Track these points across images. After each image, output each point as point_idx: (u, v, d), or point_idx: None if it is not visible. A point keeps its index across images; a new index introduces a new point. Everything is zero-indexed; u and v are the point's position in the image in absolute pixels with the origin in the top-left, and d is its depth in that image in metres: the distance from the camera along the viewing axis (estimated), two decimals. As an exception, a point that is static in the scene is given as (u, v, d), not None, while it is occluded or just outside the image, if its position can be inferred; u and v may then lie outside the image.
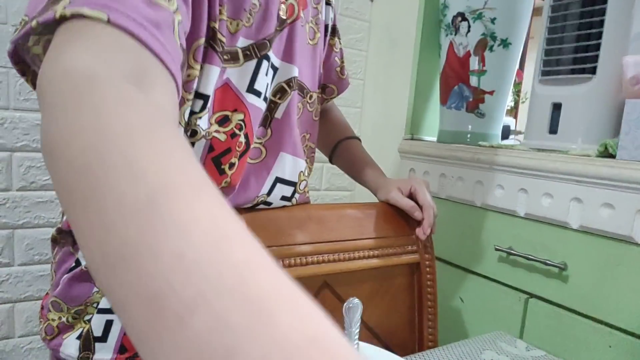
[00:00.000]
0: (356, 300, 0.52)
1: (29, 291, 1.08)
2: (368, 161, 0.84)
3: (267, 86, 0.60)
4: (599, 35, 0.83)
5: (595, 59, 0.84)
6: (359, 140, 0.88)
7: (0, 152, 1.01)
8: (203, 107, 0.52)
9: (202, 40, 0.49)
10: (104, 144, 0.21)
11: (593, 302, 0.79)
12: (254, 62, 0.57)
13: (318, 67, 0.72)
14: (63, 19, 0.29)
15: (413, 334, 0.76)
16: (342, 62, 0.81)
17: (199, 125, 0.52)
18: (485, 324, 0.97)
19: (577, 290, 0.81)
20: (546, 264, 0.84)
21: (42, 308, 0.59)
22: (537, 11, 1.21)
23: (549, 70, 0.92)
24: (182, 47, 0.36)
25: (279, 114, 0.64)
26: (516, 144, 1.13)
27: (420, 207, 0.74)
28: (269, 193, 0.65)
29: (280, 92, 0.63)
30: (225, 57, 0.53)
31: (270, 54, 0.59)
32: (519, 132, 1.58)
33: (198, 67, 0.49)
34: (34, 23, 0.30)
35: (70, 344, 0.54)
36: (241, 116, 0.57)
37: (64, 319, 0.55)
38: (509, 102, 1.42)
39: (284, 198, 0.67)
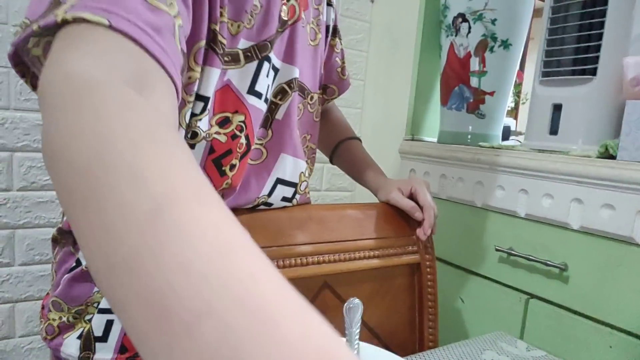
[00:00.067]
0: (357, 301, 0.52)
1: (29, 291, 1.08)
2: (368, 162, 0.84)
3: (267, 87, 0.60)
4: (600, 37, 0.83)
5: (595, 60, 0.84)
6: (360, 140, 0.88)
7: (0, 152, 1.01)
8: (203, 109, 0.52)
9: (203, 43, 0.49)
10: (105, 147, 0.21)
11: (594, 303, 0.79)
12: (255, 63, 0.57)
13: (319, 68, 0.72)
14: (64, 23, 0.29)
15: (413, 334, 0.76)
16: (343, 62, 0.82)
17: (199, 126, 0.53)
18: (485, 325, 0.97)
19: (578, 290, 0.81)
20: (547, 265, 0.84)
21: (42, 308, 0.59)
22: (537, 12, 1.21)
23: (550, 71, 0.92)
24: (182, 51, 0.36)
25: (279, 115, 0.64)
26: (517, 144, 1.13)
27: (421, 207, 0.74)
28: (270, 194, 0.65)
29: (281, 93, 0.63)
30: (226, 58, 0.53)
31: (271, 55, 0.59)
32: (520, 133, 1.58)
33: (199, 69, 0.49)
34: (35, 27, 0.30)
35: (71, 344, 0.54)
36: (242, 118, 0.57)
37: (64, 319, 0.55)
38: (510, 103, 1.42)
39: (284, 199, 0.67)
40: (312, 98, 0.70)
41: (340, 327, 0.52)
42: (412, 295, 0.76)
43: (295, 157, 0.67)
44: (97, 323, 0.54)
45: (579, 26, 0.87)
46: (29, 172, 1.04)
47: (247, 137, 0.58)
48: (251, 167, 0.62)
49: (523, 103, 2.00)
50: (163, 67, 0.31)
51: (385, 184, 0.79)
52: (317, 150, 0.79)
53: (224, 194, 0.59)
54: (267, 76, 0.59)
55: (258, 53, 0.57)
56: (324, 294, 0.68)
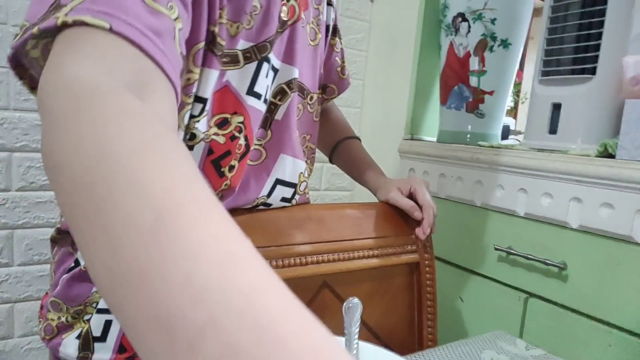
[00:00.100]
0: (356, 300, 0.52)
1: (28, 291, 1.08)
2: (368, 161, 0.84)
3: (267, 88, 0.60)
4: (599, 36, 0.83)
5: (595, 59, 0.84)
6: (359, 140, 0.88)
7: None
8: (202, 111, 0.52)
9: (202, 44, 0.48)
10: (107, 161, 0.21)
11: (593, 302, 0.79)
12: (254, 64, 0.57)
13: (319, 68, 0.71)
14: (64, 26, 0.29)
15: (413, 333, 0.76)
16: (343, 62, 0.81)
17: (197, 128, 0.52)
18: (485, 324, 0.97)
19: (577, 289, 0.81)
20: (546, 264, 0.84)
21: (41, 308, 0.59)
22: (537, 12, 1.21)
23: (549, 70, 0.92)
24: (182, 55, 0.36)
25: (279, 116, 0.64)
26: (516, 144, 1.13)
27: (420, 207, 0.74)
28: (269, 195, 0.65)
29: (281, 93, 0.63)
30: (224, 59, 0.53)
31: (271, 55, 0.59)
32: (519, 132, 1.58)
33: (197, 71, 0.49)
34: (35, 30, 0.30)
35: (70, 344, 0.54)
36: (241, 119, 0.57)
37: (63, 319, 0.55)
38: (509, 103, 1.42)
39: (284, 199, 0.67)
40: (311, 98, 0.70)
41: (340, 326, 0.52)
42: (411, 294, 0.76)
43: (294, 158, 0.66)
44: (96, 323, 0.54)
45: (578, 25, 0.87)
46: (27, 172, 1.04)
47: (246, 138, 0.58)
48: (250, 168, 0.62)
49: (522, 102, 2.00)
50: (163, 70, 0.31)
51: (385, 183, 0.79)
52: (317, 150, 0.79)
53: (222, 194, 0.59)
54: (267, 77, 0.59)
55: (257, 54, 0.56)
56: (323, 293, 0.68)
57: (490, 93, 1.10)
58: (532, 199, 0.88)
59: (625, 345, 0.74)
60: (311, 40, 0.67)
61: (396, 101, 1.32)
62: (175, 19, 0.35)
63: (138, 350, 0.18)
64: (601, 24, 0.83)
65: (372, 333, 0.72)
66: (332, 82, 0.80)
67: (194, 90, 0.50)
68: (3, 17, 0.98)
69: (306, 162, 0.71)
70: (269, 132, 0.64)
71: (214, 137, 0.55)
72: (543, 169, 0.86)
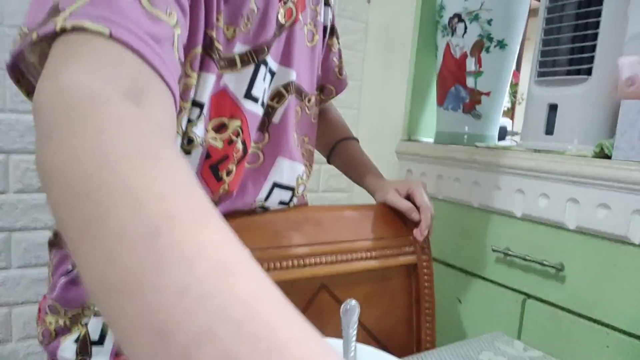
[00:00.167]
0: (353, 302, 0.52)
1: (26, 295, 1.08)
2: (366, 162, 0.84)
3: (264, 91, 0.60)
4: (595, 37, 0.84)
5: (590, 60, 0.84)
6: (357, 141, 0.88)
7: (-4, 155, 1.01)
8: (199, 115, 0.52)
9: (199, 49, 0.48)
10: (101, 169, 0.20)
11: (590, 303, 0.79)
12: (251, 67, 0.56)
13: (316, 69, 0.71)
14: (63, 31, 0.29)
15: (411, 335, 0.76)
16: (341, 62, 0.81)
17: (195, 132, 0.52)
18: (482, 325, 0.98)
19: (574, 290, 0.81)
20: (543, 265, 0.84)
21: (39, 311, 0.59)
22: (533, 12, 1.21)
23: (545, 71, 0.92)
24: (180, 61, 0.36)
25: (276, 119, 0.64)
26: (513, 144, 1.13)
27: (418, 208, 0.74)
28: (267, 198, 0.65)
29: (278, 96, 0.63)
30: (221, 63, 0.53)
31: (268, 58, 0.59)
32: (516, 133, 1.58)
33: (195, 75, 0.49)
34: (34, 36, 0.30)
35: (67, 348, 0.54)
36: (238, 122, 0.57)
37: (60, 323, 0.55)
38: (506, 103, 1.43)
39: (282, 203, 0.67)
40: (309, 100, 0.70)
41: (338, 328, 0.52)
42: (409, 296, 0.76)
43: (292, 161, 0.66)
44: (94, 327, 0.54)
45: (574, 26, 0.87)
46: (25, 174, 1.04)
47: (243, 142, 0.58)
48: (248, 171, 0.62)
49: (519, 103, 2.00)
50: (162, 77, 0.31)
51: (383, 184, 0.79)
52: (315, 151, 0.79)
53: (220, 198, 0.59)
54: (264, 80, 0.59)
55: (255, 57, 0.56)
56: (321, 295, 0.68)
57: (487, 94, 1.10)
58: (529, 200, 0.88)
59: (623, 346, 0.74)
60: (308, 42, 0.67)
61: (393, 102, 1.32)
62: (174, 25, 0.35)
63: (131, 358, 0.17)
64: (597, 25, 0.83)
65: (370, 335, 0.72)
66: (329, 82, 0.80)
67: (192, 95, 0.50)
68: (-1, 19, 0.98)
69: (305, 164, 0.71)
70: (267, 135, 0.64)
71: (211, 141, 0.55)
72: (540, 170, 0.86)
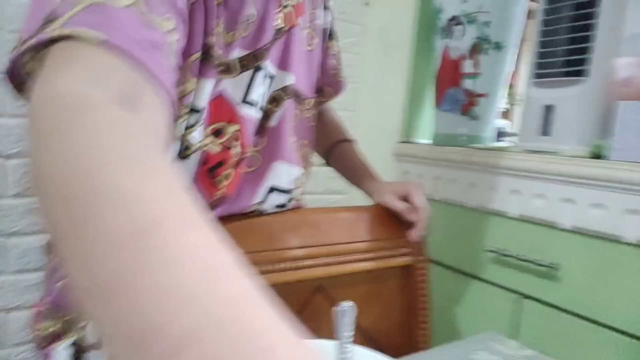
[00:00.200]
0: (349, 304, 0.52)
1: (21, 300, 1.07)
2: (363, 164, 0.84)
3: (262, 95, 0.60)
4: (591, 38, 0.84)
5: (587, 61, 0.85)
6: (355, 142, 0.88)
7: (-6, 159, 1.01)
8: (197, 120, 0.52)
9: (198, 55, 0.48)
10: (89, 172, 0.20)
11: (585, 302, 0.79)
12: (249, 72, 0.56)
13: (315, 72, 0.72)
14: (58, 39, 0.29)
15: (406, 335, 0.76)
16: (339, 64, 0.82)
17: (193, 137, 0.52)
18: (478, 325, 0.98)
19: (570, 290, 0.82)
20: (538, 265, 0.84)
21: (34, 315, 0.59)
22: (532, 14, 1.22)
23: (542, 72, 0.92)
24: (176, 67, 0.36)
25: (273, 122, 0.64)
26: (509, 145, 1.14)
27: (414, 209, 0.74)
28: (263, 202, 0.65)
29: (276, 100, 0.63)
30: (220, 68, 0.53)
31: (267, 62, 0.59)
32: (514, 134, 1.59)
33: (193, 81, 0.49)
34: (29, 44, 0.30)
35: (63, 352, 0.54)
36: (236, 127, 0.57)
37: (56, 327, 0.55)
38: (504, 105, 1.43)
39: (278, 206, 0.67)
40: (308, 103, 0.70)
41: (333, 330, 0.52)
42: (405, 297, 0.76)
43: (289, 164, 0.66)
44: (91, 331, 0.54)
45: (570, 28, 0.88)
46: (22, 179, 1.04)
47: (240, 146, 0.58)
48: (245, 175, 0.62)
49: (517, 105, 2.01)
50: (157, 83, 0.31)
51: (379, 186, 0.79)
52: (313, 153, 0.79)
53: (217, 203, 0.59)
54: (262, 84, 0.59)
55: (253, 62, 0.56)
56: (317, 297, 0.68)
57: (484, 95, 1.11)
58: (526, 200, 0.89)
59: (617, 345, 0.74)
60: (307, 46, 0.67)
61: (391, 104, 1.32)
62: (171, 31, 0.35)
63: None
64: (593, 27, 0.84)
65: (366, 336, 0.72)
66: (327, 84, 0.81)
67: (190, 100, 0.50)
68: (-3, 23, 0.99)
69: (302, 167, 0.71)
70: (264, 138, 0.64)
71: (209, 146, 0.55)
72: (536, 171, 0.86)
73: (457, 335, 1.02)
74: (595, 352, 0.77)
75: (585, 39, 0.85)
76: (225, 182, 0.57)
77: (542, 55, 0.92)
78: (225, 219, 0.61)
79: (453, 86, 1.13)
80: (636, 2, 0.82)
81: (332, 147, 0.87)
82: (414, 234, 0.74)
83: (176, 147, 0.52)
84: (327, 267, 0.67)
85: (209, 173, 0.56)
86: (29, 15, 0.33)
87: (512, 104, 1.58)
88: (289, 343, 0.16)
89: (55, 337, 0.55)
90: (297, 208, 0.72)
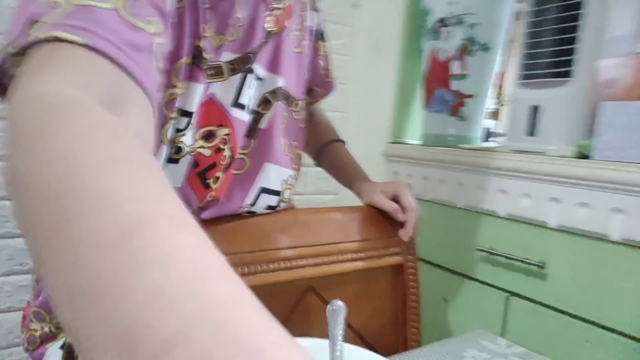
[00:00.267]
0: (340, 303, 0.53)
1: (9, 302, 1.06)
2: (353, 164, 0.85)
3: (251, 98, 0.60)
4: (576, 40, 0.86)
5: (571, 62, 0.86)
6: (344, 143, 0.89)
7: (-20, 161, 1.00)
8: (187, 124, 0.52)
9: (185, 59, 0.48)
10: (76, 173, 0.20)
11: (571, 299, 0.81)
12: (239, 76, 0.56)
13: (305, 74, 0.72)
14: (42, 41, 0.28)
15: (397, 334, 0.77)
16: (328, 65, 0.82)
17: (183, 142, 0.52)
18: (468, 323, 0.99)
19: (556, 288, 0.83)
20: (526, 263, 0.86)
21: (23, 318, 0.59)
22: (520, 15, 1.24)
23: (529, 74, 0.94)
24: (161, 70, 0.36)
25: (263, 125, 0.64)
26: (496, 145, 1.15)
27: (404, 209, 0.75)
28: (254, 203, 0.65)
29: (265, 102, 0.63)
30: (209, 72, 0.53)
31: (256, 66, 0.59)
32: (501, 135, 1.61)
33: (181, 85, 0.49)
34: (12, 48, 0.29)
35: (53, 354, 0.54)
36: (226, 131, 0.57)
37: (46, 329, 0.55)
38: (492, 105, 1.45)
39: (269, 207, 0.68)
40: (297, 105, 0.70)
41: (325, 329, 0.52)
42: (396, 296, 0.77)
43: (279, 166, 0.67)
44: None
45: (556, 30, 0.89)
46: (9, 180, 1.03)
47: (230, 149, 0.58)
48: (235, 178, 0.62)
49: (504, 105, 2.03)
50: (140, 85, 0.30)
51: (369, 186, 0.80)
52: (303, 154, 0.79)
53: (207, 205, 0.59)
54: (251, 87, 0.59)
55: (242, 65, 0.56)
56: (308, 297, 0.69)
57: (471, 96, 1.12)
58: (512, 200, 0.90)
59: (602, 341, 0.76)
60: (296, 48, 0.68)
61: (380, 105, 1.33)
62: (154, 34, 0.35)
63: None
64: (577, 29, 0.85)
65: (357, 335, 0.73)
66: (317, 84, 0.81)
67: (178, 105, 0.50)
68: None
69: (293, 169, 0.71)
70: (253, 141, 0.64)
71: (200, 150, 0.55)
72: (522, 170, 0.88)
73: (447, 334, 1.03)
74: (579, 348, 0.79)
75: (571, 41, 0.87)
76: (216, 185, 0.58)
77: (528, 57, 0.94)
78: (215, 221, 0.61)
79: (441, 87, 1.15)
80: (620, 4, 0.84)
81: (323, 147, 0.87)
82: (403, 234, 0.74)
83: (166, 150, 0.52)
84: (318, 267, 0.67)
85: (199, 176, 0.56)
86: (14, 19, 0.32)
87: (500, 105, 1.60)
88: (279, 346, 0.15)
89: (47, 338, 0.55)
90: (287, 209, 0.72)
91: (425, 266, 1.08)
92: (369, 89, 1.42)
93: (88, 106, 0.24)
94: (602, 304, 0.76)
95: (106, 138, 0.22)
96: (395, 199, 0.77)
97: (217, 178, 0.57)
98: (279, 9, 0.60)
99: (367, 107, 1.43)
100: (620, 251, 0.74)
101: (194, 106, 0.52)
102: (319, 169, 0.90)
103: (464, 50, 1.10)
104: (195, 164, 0.55)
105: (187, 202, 0.56)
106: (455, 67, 1.12)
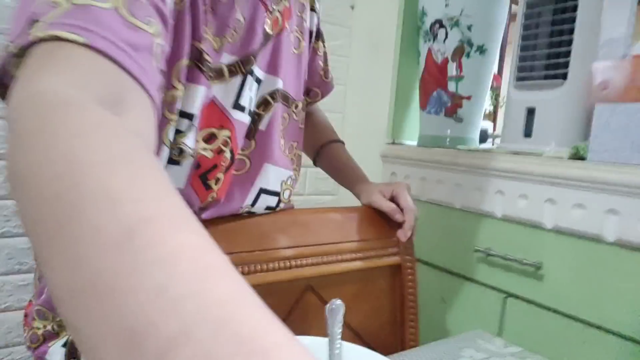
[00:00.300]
0: (338, 302, 0.54)
1: (9, 301, 1.06)
2: (351, 165, 0.86)
3: (251, 100, 0.60)
4: (570, 42, 0.87)
5: (566, 65, 0.87)
6: (343, 143, 0.89)
7: (-21, 161, 1.00)
8: (189, 126, 0.52)
9: (185, 61, 0.49)
10: (77, 172, 0.20)
11: (567, 300, 0.82)
12: (239, 77, 0.57)
13: (303, 75, 0.72)
14: (39, 41, 0.28)
15: (395, 334, 0.77)
16: (326, 65, 0.83)
17: (185, 143, 0.53)
18: (465, 323, 1.00)
19: (552, 288, 0.84)
20: (522, 264, 0.87)
21: (25, 316, 0.59)
22: (514, 17, 1.25)
23: (523, 75, 0.95)
24: (160, 70, 0.36)
25: (263, 126, 0.65)
26: (493, 147, 1.16)
27: (402, 209, 0.76)
28: (253, 204, 0.66)
29: (264, 104, 0.64)
30: (210, 74, 0.53)
31: (255, 67, 0.59)
32: (498, 136, 1.62)
33: (182, 87, 0.49)
34: (11, 48, 0.29)
35: (56, 352, 0.54)
36: (227, 132, 0.57)
37: (49, 327, 0.55)
38: (488, 107, 1.46)
39: (268, 208, 0.68)
40: (296, 106, 0.71)
41: (323, 328, 0.53)
42: (394, 296, 0.78)
43: (278, 166, 0.67)
44: None
45: (550, 32, 0.90)
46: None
47: (231, 151, 0.59)
48: (235, 178, 0.63)
49: (501, 107, 2.04)
50: (141, 85, 0.30)
51: (367, 187, 0.81)
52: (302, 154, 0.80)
53: (207, 206, 0.59)
54: (251, 89, 0.60)
55: (242, 67, 0.57)
56: (307, 296, 0.70)
57: (468, 98, 1.13)
58: (509, 201, 0.91)
59: (599, 342, 0.77)
60: (295, 49, 0.68)
61: (377, 106, 1.34)
62: (154, 34, 0.35)
63: None
64: (572, 31, 0.86)
65: (355, 335, 0.74)
66: (315, 85, 0.82)
67: (179, 106, 0.50)
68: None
69: (292, 169, 0.72)
70: (253, 142, 0.64)
71: (201, 151, 0.55)
72: (519, 171, 0.89)
73: (444, 333, 1.04)
74: (576, 349, 0.80)
75: (565, 43, 0.88)
76: (217, 186, 0.58)
77: (523, 59, 0.95)
78: (215, 221, 0.62)
79: (438, 89, 1.15)
80: (613, 7, 0.85)
81: (321, 147, 0.88)
82: (401, 234, 0.75)
83: (168, 152, 0.53)
84: (317, 267, 0.68)
85: (200, 177, 0.57)
86: (14, 19, 0.32)
87: (497, 106, 1.61)
88: (282, 345, 0.15)
89: (49, 336, 0.55)
90: (286, 209, 0.73)
91: (423, 266, 1.08)
92: (367, 90, 1.43)
93: (88, 106, 0.24)
94: (599, 304, 0.77)
95: (107, 138, 0.22)
96: (394, 200, 0.78)
97: (218, 179, 0.58)
98: (278, 10, 0.61)
99: (364, 108, 1.44)
100: (614, 252, 0.75)
101: (195, 108, 0.52)
102: (318, 170, 0.90)
103: (461, 52, 1.11)
104: (197, 165, 0.56)
105: (189, 202, 0.57)
106: (451, 69, 1.13)
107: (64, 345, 0.54)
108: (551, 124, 0.90)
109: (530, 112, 0.93)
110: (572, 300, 0.81)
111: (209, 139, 0.56)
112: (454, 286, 1.02)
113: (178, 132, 0.52)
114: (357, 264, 0.72)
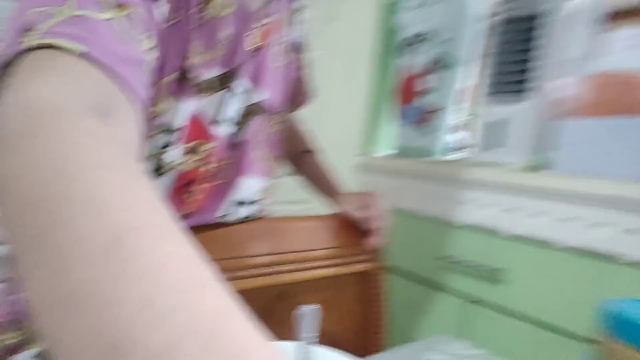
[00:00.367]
0: (311, 307, 0.55)
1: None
2: (325, 174, 0.87)
3: (234, 112, 0.61)
4: (537, 59, 0.91)
5: (533, 80, 0.92)
6: (318, 152, 0.91)
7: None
8: (173, 139, 0.53)
9: (174, 76, 0.49)
10: (64, 178, 0.19)
11: (524, 304, 0.85)
12: (224, 91, 0.57)
13: (287, 86, 0.73)
14: (31, 49, 0.28)
15: (362, 340, 0.79)
16: (306, 75, 0.84)
17: (168, 156, 0.53)
18: (432, 329, 1.03)
19: (511, 293, 0.88)
20: (484, 270, 0.90)
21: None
22: (485, 34, 1.30)
23: (493, 89, 0.99)
24: (150, 85, 0.36)
25: (242, 137, 0.65)
26: (462, 157, 1.20)
27: (372, 218, 0.78)
28: (229, 213, 0.66)
29: (246, 115, 0.64)
30: (196, 89, 0.54)
31: (240, 80, 0.59)
32: (468, 147, 1.67)
33: (169, 101, 0.50)
34: (5, 57, 0.29)
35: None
36: (210, 145, 0.58)
37: (19, 338, 0.54)
38: (462, 118, 1.51)
39: (244, 217, 0.69)
40: (278, 117, 0.72)
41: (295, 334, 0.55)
42: (363, 302, 0.80)
43: (255, 177, 0.67)
44: None
45: (518, 49, 0.95)
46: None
47: (213, 163, 0.59)
48: (211, 189, 0.63)
49: (471, 119, 2.11)
50: (131, 97, 0.31)
51: (340, 196, 0.82)
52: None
53: (184, 218, 0.60)
54: (235, 102, 0.60)
55: (229, 80, 0.57)
56: (280, 303, 0.71)
57: (440, 110, 1.17)
58: (475, 210, 0.95)
59: (558, 345, 0.81)
60: (279, 62, 0.69)
61: (352, 117, 1.37)
62: (150, 49, 0.35)
63: None
64: (538, 48, 0.91)
65: (324, 340, 0.75)
66: (295, 95, 0.83)
67: (165, 120, 0.51)
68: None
69: (269, 179, 0.73)
70: (232, 152, 0.65)
71: (184, 164, 0.56)
72: (485, 182, 0.93)
73: (412, 339, 1.06)
74: (534, 350, 0.83)
75: (532, 60, 0.92)
76: (196, 197, 0.59)
77: (493, 73, 1.00)
78: (191, 230, 0.62)
79: (411, 101, 1.19)
80: (574, 27, 0.90)
81: (298, 156, 0.89)
82: (370, 242, 0.77)
83: (150, 165, 0.53)
84: (289, 274, 0.69)
85: (180, 190, 0.57)
86: (9, 28, 0.32)
87: (468, 118, 1.66)
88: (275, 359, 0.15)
89: (17, 348, 0.54)
90: (261, 218, 0.74)
91: (391, 273, 1.11)
92: (342, 101, 1.46)
93: (79, 114, 0.24)
94: (558, 308, 0.81)
95: (95, 146, 0.22)
96: (364, 209, 0.80)
97: (197, 191, 0.59)
98: (264, 24, 0.62)
99: (339, 119, 1.46)
100: (571, 258, 0.79)
101: (179, 122, 0.52)
102: (292, 179, 0.92)
103: (432, 66, 1.15)
104: (179, 177, 0.56)
105: None
106: (424, 82, 1.17)
107: (37, 355, 0.53)
108: (518, 136, 0.95)
109: (498, 124, 0.98)
110: (528, 304, 0.85)
111: (192, 151, 0.56)
112: (422, 293, 1.05)
113: (163, 145, 0.52)
114: (328, 271, 0.74)
